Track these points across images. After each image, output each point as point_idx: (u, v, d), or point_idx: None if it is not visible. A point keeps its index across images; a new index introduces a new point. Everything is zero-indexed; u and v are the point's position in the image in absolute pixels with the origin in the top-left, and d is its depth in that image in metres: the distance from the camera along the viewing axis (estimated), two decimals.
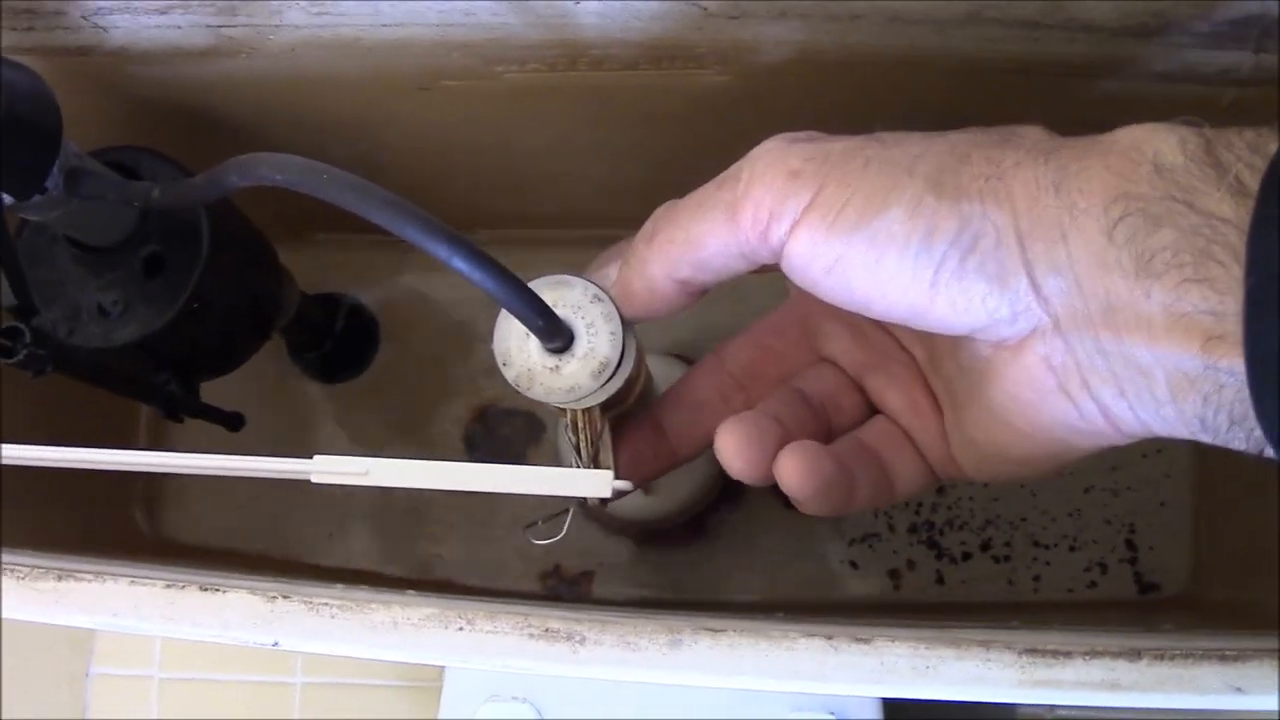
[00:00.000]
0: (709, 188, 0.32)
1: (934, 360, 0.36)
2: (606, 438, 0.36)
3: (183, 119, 0.52)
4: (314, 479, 0.32)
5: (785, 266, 0.31)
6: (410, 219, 0.29)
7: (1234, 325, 0.25)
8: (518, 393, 0.34)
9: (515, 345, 0.34)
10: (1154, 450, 0.63)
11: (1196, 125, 0.27)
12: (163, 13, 0.43)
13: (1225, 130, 0.27)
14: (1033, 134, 0.30)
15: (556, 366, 0.34)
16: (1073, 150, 0.28)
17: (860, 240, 0.29)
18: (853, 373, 0.39)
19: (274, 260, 0.53)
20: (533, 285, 0.33)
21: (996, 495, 0.63)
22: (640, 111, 0.50)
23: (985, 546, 0.63)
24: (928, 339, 0.36)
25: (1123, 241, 0.27)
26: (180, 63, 0.47)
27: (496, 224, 0.64)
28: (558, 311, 0.33)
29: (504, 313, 0.34)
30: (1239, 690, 0.29)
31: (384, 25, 0.43)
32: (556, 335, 0.33)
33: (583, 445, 0.36)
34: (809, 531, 0.64)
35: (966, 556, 0.63)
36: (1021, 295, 0.28)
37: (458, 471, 0.32)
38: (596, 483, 0.31)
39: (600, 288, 0.35)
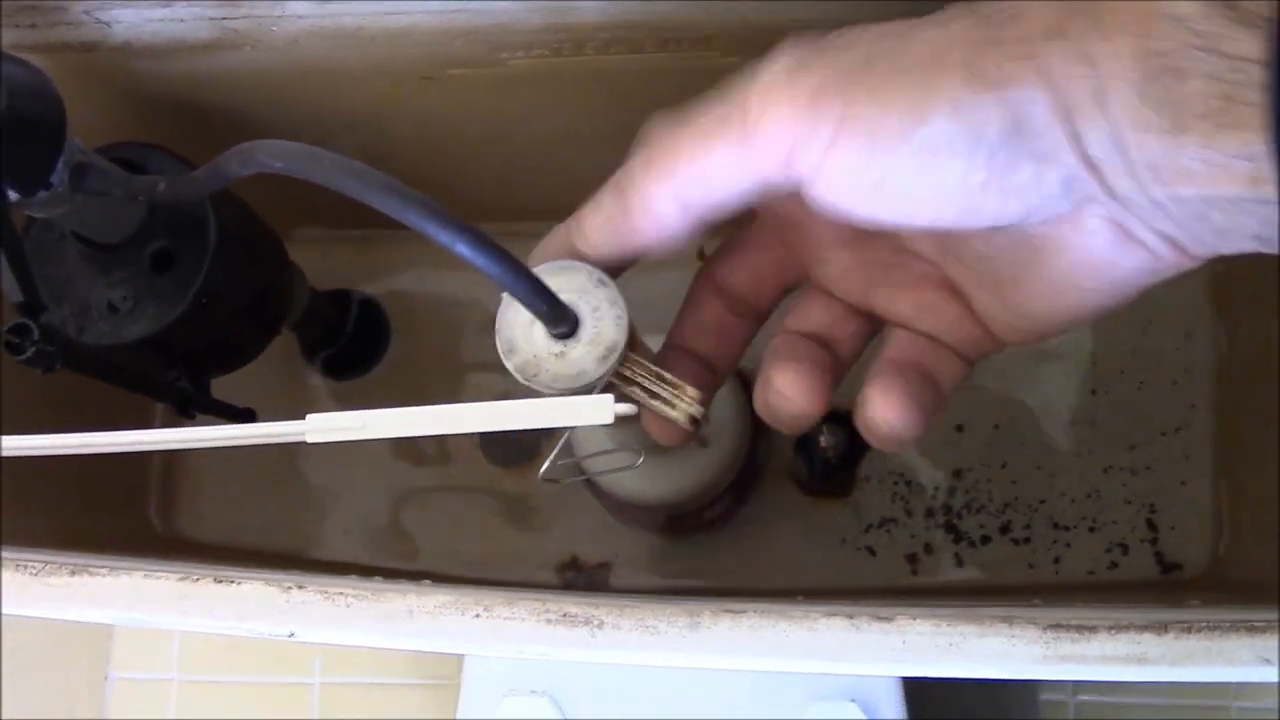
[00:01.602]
0: (712, 111, 0.31)
1: (951, 250, 0.35)
2: (659, 371, 0.36)
3: (187, 114, 0.52)
4: (310, 438, 0.31)
5: (816, 193, 0.30)
6: (412, 204, 0.29)
7: (1270, 162, 0.25)
8: (523, 384, 0.34)
9: (520, 333, 0.34)
10: (1173, 429, 0.62)
11: None
12: (165, 6, 0.43)
13: None
14: (1034, 3, 0.29)
15: (562, 352, 0.34)
16: (1084, 13, 0.28)
17: (906, 153, 0.28)
18: (853, 297, 0.38)
19: (282, 255, 0.53)
20: (536, 271, 0.33)
21: (1015, 478, 0.63)
22: (649, 96, 0.49)
23: (1004, 529, 0.63)
24: (940, 233, 0.34)
25: (1156, 100, 0.26)
26: (184, 57, 0.46)
27: (504, 216, 0.64)
28: (562, 297, 0.33)
29: (507, 300, 0.34)
30: (1268, 661, 0.29)
31: (387, 13, 0.43)
32: (562, 320, 0.33)
33: (651, 387, 0.35)
34: (826, 518, 0.64)
35: (985, 540, 0.63)
36: (1072, 169, 0.28)
37: (455, 414, 0.31)
38: (598, 408, 0.31)
39: (604, 271, 0.34)
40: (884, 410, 0.33)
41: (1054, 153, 0.28)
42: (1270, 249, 0.28)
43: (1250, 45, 0.25)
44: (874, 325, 0.38)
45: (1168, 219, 0.28)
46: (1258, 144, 0.25)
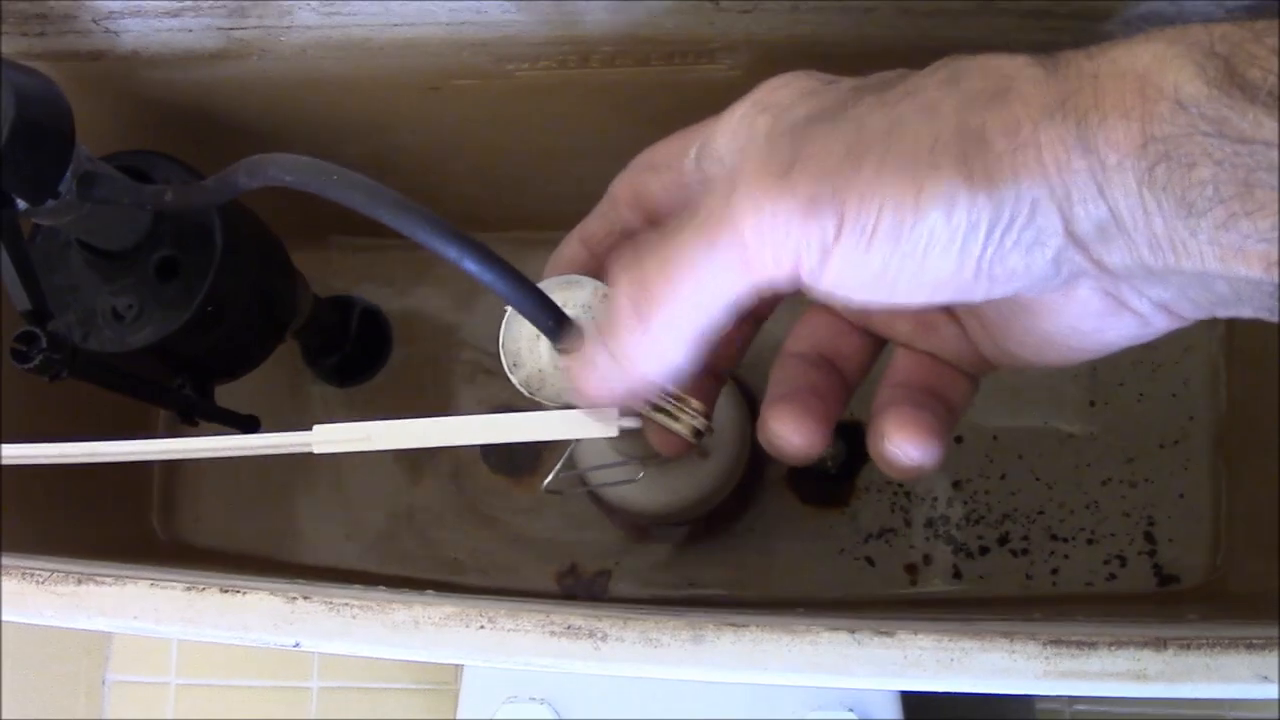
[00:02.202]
0: (693, 241, 0.28)
1: None
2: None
3: (195, 122, 0.52)
4: (316, 449, 0.32)
5: (816, 293, 0.29)
6: (420, 220, 0.29)
7: None
8: (527, 398, 0.34)
9: (526, 346, 0.34)
10: (1172, 442, 0.62)
11: (1203, 42, 0.25)
12: (174, 15, 0.43)
13: (1242, 40, 0.25)
14: (1027, 77, 0.27)
15: (567, 367, 0.34)
16: (1079, 93, 0.26)
17: (902, 252, 0.27)
18: (852, 316, 0.37)
19: (287, 262, 0.53)
20: (542, 286, 0.33)
21: (1014, 489, 0.63)
22: (653, 108, 0.49)
23: (1003, 540, 0.63)
24: None
25: (1160, 187, 0.25)
26: (191, 66, 0.47)
27: (508, 226, 0.64)
28: (567, 311, 0.33)
29: (512, 314, 0.34)
30: (1266, 679, 0.29)
31: (395, 25, 0.43)
32: (567, 335, 0.33)
33: (655, 400, 0.35)
34: (825, 528, 0.64)
35: (984, 551, 0.63)
36: (1061, 250, 0.27)
37: (459, 426, 0.31)
38: (603, 421, 0.31)
39: (608, 288, 0.34)
40: (901, 444, 0.32)
41: (1044, 238, 0.27)
42: (1273, 318, 0.27)
43: (1263, 126, 0.24)
44: (879, 342, 0.38)
45: (1165, 288, 0.28)
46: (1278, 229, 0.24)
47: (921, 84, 0.29)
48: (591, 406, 0.32)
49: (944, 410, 0.34)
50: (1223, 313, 0.28)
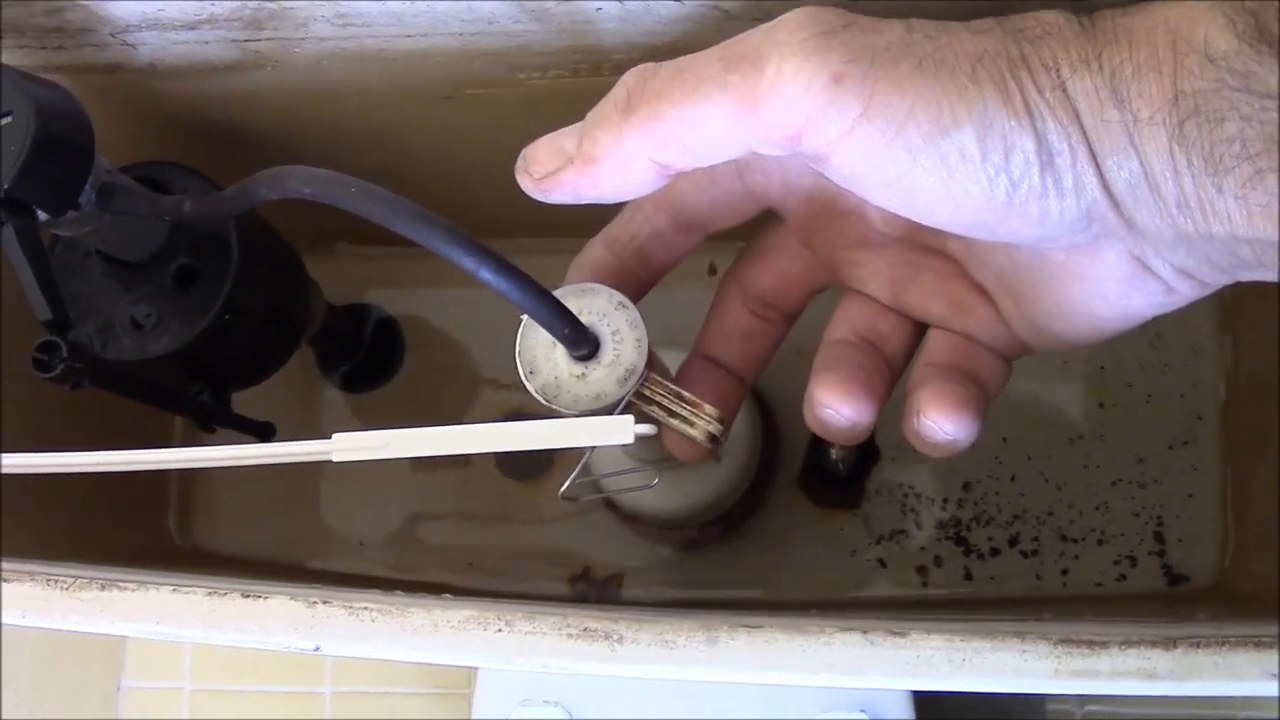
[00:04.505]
0: (711, 62, 0.28)
1: (976, 253, 0.34)
2: (678, 390, 0.36)
3: (211, 133, 0.52)
4: (335, 458, 0.32)
5: (827, 171, 0.29)
6: (437, 231, 0.29)
7: None
8: (543, 405, 0.34)
9: (542, 354, 0.35)
10: (1181, 442, 0.62)
11: None
12: (190, 28, 0.43)
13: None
14: (1064, 28, 0.27)
15: (583, 374, 0.34)
16: (1114, 45, 0.26)
17: (929, 159, 0.27)
18: (886, 298, 0.37)
19: (302, 271, 0.54)
20: (557, 294, 0.34)
21: (1023, 491, 0.63)
22: None
23: (1013, 541, 0.63)
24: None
25: (1190, 144, 0.25)
26: (208, 78, 0.47)
27: (520, 232, 0.64)
28: (583, 319, 0.33)
29: (528, 322, 0.35)
30: (1275, 677, 0.30)
31: (407, 35, 0.43)
32: (583, 343, 0.33)
33: (670, 406, 0.35)
34: (837, 530, 0.64)
35: (994, 552, 0.63)
36: (1095, 203, 0.27)
37: (477, 434, 0.31)
38: (618, 428, 0.31)
39: (623, 296, 0.35)
40: (936, 418, 0.32)
41: (1079, 187, 0.27)
42: None
43: None
44: (917, 328, 0.37)
45: (1191, 253, 0.28)
46: None
47: (966, 23, 0.28)
48: (531, 185, 0.32)
49: (977, 390, 0.34)
50: (1245, 275, 0.28)
